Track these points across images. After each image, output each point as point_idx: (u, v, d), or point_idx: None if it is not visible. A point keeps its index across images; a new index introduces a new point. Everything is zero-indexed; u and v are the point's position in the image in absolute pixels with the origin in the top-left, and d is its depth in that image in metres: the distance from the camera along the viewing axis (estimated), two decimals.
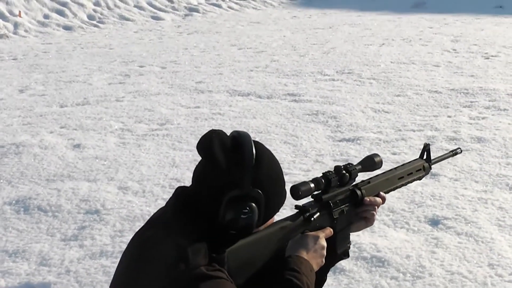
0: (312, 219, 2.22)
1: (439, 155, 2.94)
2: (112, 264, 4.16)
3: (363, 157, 2.47)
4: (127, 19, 18.92)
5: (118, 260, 4.23)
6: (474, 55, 12.32)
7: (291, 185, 2.18)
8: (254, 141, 2.07)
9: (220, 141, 2.04)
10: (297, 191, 2.14)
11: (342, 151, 6.52)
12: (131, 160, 6.34)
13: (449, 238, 4.41)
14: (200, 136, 2.09)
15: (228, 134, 2.10)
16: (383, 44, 14.12)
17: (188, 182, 5.63)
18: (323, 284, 2.37)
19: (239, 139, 2.04)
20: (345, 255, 2.40)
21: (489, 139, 6.72)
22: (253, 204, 2.01)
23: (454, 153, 2.95)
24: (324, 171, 2.30)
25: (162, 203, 5.14)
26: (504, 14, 19.51)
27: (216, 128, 6.69)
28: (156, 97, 9.28)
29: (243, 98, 9.13)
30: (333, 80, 10.28)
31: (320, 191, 2.27)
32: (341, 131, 7.28)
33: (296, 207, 2.25)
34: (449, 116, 7.78)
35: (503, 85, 9.37)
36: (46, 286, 3.98)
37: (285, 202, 2.17)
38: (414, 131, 7.18)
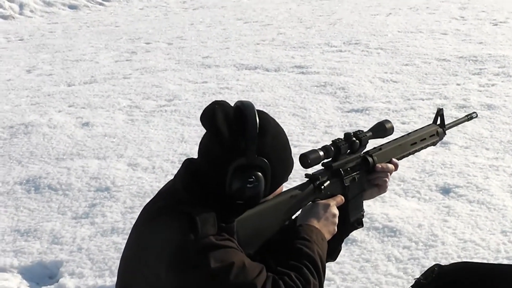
0: (323, 187, 2.19)
1: (453, 120, 2.91)
2: (123, 241, 4.14)
3: (374, 124, 2.44)
4: None
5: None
6: (482, 22, 12.20)
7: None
8: (258, 110, 2.05)
9: (223, 111, 2.02)
10: (306, 159, 2.12)
11: (351, 121, 6.48)
12: (140, 137, 6.33)
13: (461, 206, 4.38)
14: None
15: (232, 105, 2.09)
16: (390, 13, 14.01)
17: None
18: (338, 254, 2.36)
19: (242, 109, 2.03)
20: (359, 224, 2.38)
21: (499, 106, 6.67)
22: (259, 173, 1.99)
23: (469, 117, 2.90)
24: (333, 139, 2.27)
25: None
26: None
27: None
28: (163, 73, 9.25)
29: (250, 72, 9.09)
30: (340, 51, 10.21)
31: (330, 159, 2.25)
32: (350, 102, 7.23)
33: (306, 175, 2.23)
34: (458, 84, 7.72)
35: None
36: (58, 264, 3.99)
37: (292, 171, 2.15)
38: (423, 99, 7.13)
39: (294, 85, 8.10)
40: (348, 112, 6.85)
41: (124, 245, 3.70)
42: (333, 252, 2.28)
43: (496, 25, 11.78)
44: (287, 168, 2.12)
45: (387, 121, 2.41)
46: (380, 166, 2.38)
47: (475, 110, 3.15)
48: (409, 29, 11.75)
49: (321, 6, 15.89)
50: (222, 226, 1.93)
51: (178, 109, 7.25)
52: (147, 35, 12.83)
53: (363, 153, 2.36)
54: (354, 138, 2.28)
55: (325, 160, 2.23)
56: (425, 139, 2.63)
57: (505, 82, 7.67)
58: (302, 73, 8.84)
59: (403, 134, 2.63)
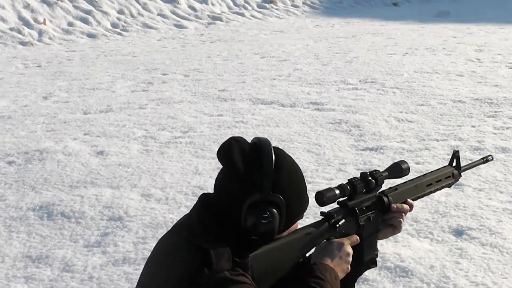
0: (338, 225, 2.20)
1: (468, 163, 2.91)
2: (135, 271, 4.16)
3: (390, 164, 2.45)
4: (151, 27, 19.02)
5: (141, 267, 4.24)
6: (498, 64, 12.23)
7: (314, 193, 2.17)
8: (274, 147, 2.08)
9: (239, 147, 2.05)
10: (321, 197, 2.14)
11: (365, 160, 6.49)
12: (154, 168, 6.36)
13: (473, 249, 4.37)
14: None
15: (249, 141, 2.11)
16: (406, 53, 14.07)
17: (211, 190, 5.61)
18: None
19: (259, 145, 2.05)
20: (373, 263, 2.38)
21: None
22: (274, 210, 2.01)
23: (485, 160, 2.91)
24: (349, 178, 2.28)
25: (186, 211, 5.16)
26: None
27: (239, 135, 6.69)
28: (179, 105, 9.31)
29: (266, 107, 9.13)
30: (356, 89, 10.25)
31: (345, 198, 2.26)
32: (364, 140, 7.25)
33: (321, 213, 2.24)
34: (473, 126, 7.72)
35: None
36: None
37: (307, 208, 2.16)
38: (437, 140, 7.14)
39: (309, 122, 8.12)
40: (363, 150, 6.86)
41: (135, 276, 3.70)
42: None
43: None
44: (302, 205, 2.13)
45: (403, 161, 2.42)
46: (395, 206, 2.38)
47: (490, 153, 3.15)
48: (425, 70, 11.79)
49: (338, 44, 15.98)
50: (236, 261, 1.94)
51: (193, 141, 7.29)
52: (164, 66, 12.93)
53: (379, 192, 2.37)
54: (370, 178, 2.29)
55: (341, 199, 2.25)
56: (440, 180, 2.64)
57: None
58: (318, 109, 8.87)
59: (418, 174, 2.63)
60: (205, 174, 6.11)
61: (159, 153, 6.89)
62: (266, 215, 1.99)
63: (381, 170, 2.37)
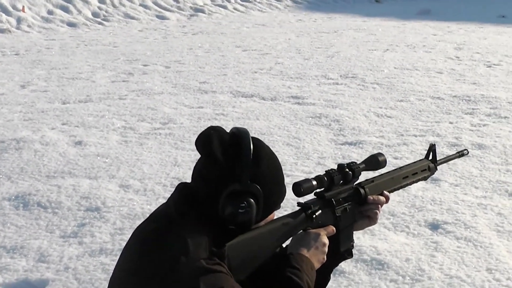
0: (314, 216, 2.22)
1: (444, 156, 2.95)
2: (111, 262, 4.15)
3: (367, 156, 2.47)
4: (132, 18, 18.95)
5: (118, 257, 4.23)
6: (476, 63, 12.32)
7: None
8: (253, 137, 2.08)
9: (218, 137, 2.05)
10: (299, 188, 2.15)
11: (344, 154, 6.51)
12: (133, 159, 6.34)
13: (448, 242, 4.40)
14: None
15: (228, 131, 2.11)
16: (387, 49, 14.12)
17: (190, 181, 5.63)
18: (327, 283, 2.37)
19: (238, 135, 2.06)
20: (349, 254, 2.40)
21: (489, 146, 6.71)
22: (251, 199, 2.02)
23: (460, 154, 2.95)
24: (327, 169, 2.30)
25: (163, 202, 5.16)
26: (506, 23, 19.52)
27: None
28: (160, 96, 9.29)
29: (246, 100, 9.13)
30: (337, 84, 10.29)
31: (322, 189, 2.27)
32: (344, 134, 7.27)
33: (298, 204, 2.25)
34: (450, 123, 7.77)
35: (504, 94, 9.36)
36: (44, 282, 3.96)
37: (284, 200, 2.17)
38: (416, 136, 7.18)
39: (290, 115, 8.14)
40: (342, 144, 6.89)
41: (112, 266, 3.69)
42: (322, 282, 2.30)
43: (490, 67, 11.89)
44: (280, 195, 2.14)
45: (380, 154, 2.45)
46: (371, 198, 2.40)
47: (466, 149, 3.18)
48: (406, 66, 11.85)
49: (320, 39, 16.01)
50: (213, 251, 1.95)
51: (173, 133, 7.27)
52: (145, 57, 12.89)
53: (356, 184, 2.39)
54: (347, 169, 2.31)
55: (318, 190, 2.26)
56: (416, 173, 2.66)
57: (496, 123, 7.73)
58: (298, 103, 8.89)
59: (395, 168, 2.65)
60: (184, 166, 6.10)
61: (138, 144, 6.87)
62: (244, 205, 2.00)
63: (358, 162, 2.38)
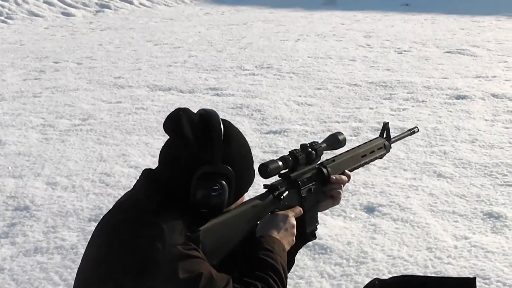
0: (282, 197, 2.19)
1: (396, 134, 2.99)
2: (48, 260, 4.02)
3: (327, 136, 2.46)
4: (37, 15, 18.44)
5: (55, 256, 4.09)
6: (387, 50, 12.57)
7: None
8: (221, 118, 2.03)
9: (188, 118, 1.99)
10: (266, 169, 2.11)
11: (271, 143, 6.52)
12: (56, 156, 6.16)
13: (386, 224, 4.47)
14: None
15: (195, 112, 2.06)
16: (298, 39, 14.24)
17: (118, 177, 5.54)
18: (292, 266, 2.35)
19: (207, 116, 2.00)
20: (313, 236, 2.39)
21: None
22: (223, 181, 1.97)
23: (412, 131, 3.01)
24: (290, 150, 2.28)
25: (95, 198, 5.06)
26: (411, 11, 20.01)
27: (141, 122, 6.56)
28: (75, 93, 9.07)
29: (164, 93, 9.03)
30: (253, 74, 10.30)
31: (287, 170, 2.25)
32: (267, 123, 7.28)
33: (265, 186, 2.22)
34: (371, 108, 7.90)
35: (418, 78, 9.59)
36: None
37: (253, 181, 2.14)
38: (338, 122, 7.27)
39: (210, 107, 8.03)
40: (266, 133, 6.90)
41: (50, 265, 3.58)
42: (288, 264, 2.27)
43: (401, 53, 12.16)
44: (251, 177, 2.11)
45: (339, 133, 2.44)
46: (334, 177, 2.39)
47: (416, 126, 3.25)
48: (319, 55, 11.98)
49: (230, 31, 16.00)
50: (188, 236, 1.89)
51: (94, 129, 7.11)
52: (55, 54, 12.57)
53: (318, 164, 2.38)
54: (310, 149, 2.29)
55: (283, 171, 2.23)
56: (374, 151, 2.68)
57: (415, 107, 7.91)
58: (217, 95, 8.86)
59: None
60: (110, 161, 5.97)
61: (60, 141, 6.69)
62: (217, 187, 1.95)
63: (319, 142, 2.37)
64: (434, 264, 3.90)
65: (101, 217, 4.46)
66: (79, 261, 3.99)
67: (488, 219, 4.55)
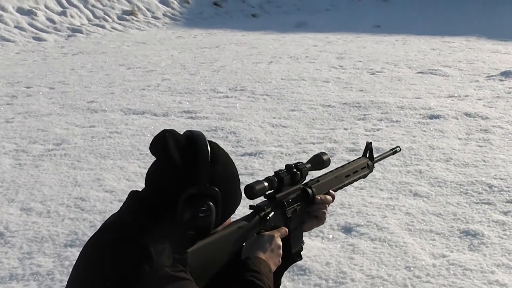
0: (268, 218, 2.19)
1: (379, 154, 3.01)
2: (24, 287, 3.96)
3: (311, 156, 2.47)
4: (7, 40, 18.29)
5: (31, 283, 4.04)
6: (360, 71, 12.65)
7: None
8: (208, 140, 2.03)
9: (174, 140, 1.99)
10: (251, 190, 2.11)
11: (246, 165, 6.52)
12: (30, 181, 6.10)
13: (364, 244, 4.47)
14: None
15: (181, 134, 2.06)
16: (271, 61, 14.29)
17: (93, 201, 5.49)
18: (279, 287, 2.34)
19: (193, 138, 2.00)
20: (298, 256, 2.39)
21: (386, 150, 6.87)
22: (211, 203, 1.96)
23: (394, 151, 3.03)
24: (275, 170, 2.28)
25: (70, 223, 5.00)
26: (382, 33, 20.17)
27: (115, 146, 6.52)
28: (48, 118, 9.00)
29: (138, 117, 9.00)
30: (227, 97, 10.30)
31: (272, 190, 2.25)
32: (242, 145, 7.28)
33: (251, 207, 2.21)
34: (345, 129, 7.93)
35: (392, 99, 9.65)
36: None
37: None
38: (313, 143, 7.28)
39: (185, 130, 8.04)
40: (242, 155, 6.89)
41: None
42: (275, 286, 2.26)
43: (374, 74, 12.24)
44: (237, 198, 2.11)
45: (323, 153, 2.45)
46: (319, 197, 2.40)
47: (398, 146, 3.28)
48: (292, 77, 12.02)
49: (203, 54, 16.01)
50: (176, 257, 1.88)
51: (68, 153, 7.06)
52: (26, 79, 12.47)
53: (303, 184, 2.38)
54: (295, 170, 2.29)
55: (268, 192, 2.23)
56: (357, 171, 2.69)
57: (389, 127, 7.96)
58: (191, 118, 8.85)
59: (337, 167, 2.67)
60: (85, 186, 5.92)
61: (34, 166, 6.63)
62: (204, 208, 1.94)
63: (304, 162, 2.38)
64: (413, 283, 3.91)
65: (77, 242, 4.43)
66: (55, 287, 3.95)
67: (465, 237, 4.58)
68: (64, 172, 6.40)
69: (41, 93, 11.03)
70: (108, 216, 2.15)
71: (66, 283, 2.05)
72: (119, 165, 6.46)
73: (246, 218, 2.17)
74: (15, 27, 19.43)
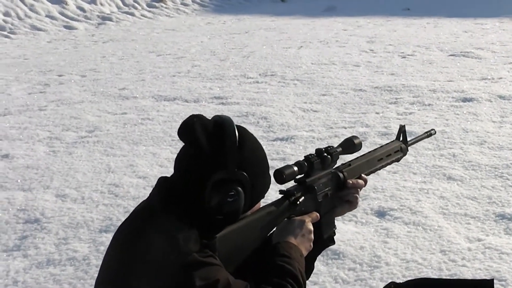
0: (298, 203, 2.17)
1: (413, 137, 2.99)
2: (61, 272, 4.01)
3: (343, 140, 2.45)
4: (39, 29, 18.46)
5: (67, 268, 4.08)
6: (391, 54, 12.56)
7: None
8: (236, 125, 2.02)
9: (202, 124, 1.98)
10: (281, 175, 2.09)
11: (278, 150, 6.51)
12: (64, 168, 6.16)
13: (398, 228, 4.45)
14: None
15: (209, 119, 2.05)
16: (301, 46, 14.24)
17: (127, 187, 5.52)
18: (311, 272, 2.33)
19: (221, 122, 1.99)
20: (331, 241, 2.37)
21: (419, 133, 6.82)
22: (239, 188, 1.95)
23: (429, 134, 3.00)
24: (306, 155, 2.27)
25: (104, 209, 5.05)
26: (412, 16, 20.01)
27: (147, 132, 6.54)
28: (81, 105, 9.07)
29: (169, 103, 9.03)
30: (257, 82, 10.29)
31: (303, 175, 2.23)
32: (274, 131, 7.28)
33: (281, 191, 2.20)
34: (377, 113, 7.89)
35: (423, 82, 9.57)
36: None
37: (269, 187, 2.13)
38: (345, 128, 7.25)
39: None
40: (273, 140, 6.89)
41: (63, 276, 3.57)
42: (307, 271, 2.25)
43: (405, 57, 12.14)
44: (266, 183, 2.09)
45: (355, 137, 2.43)
46: (351, 182, 2.37)
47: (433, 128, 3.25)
48: (322, 61, 11.97)
49: (232, 40, 16.01)
50: (204, 243, 1.87)
51: (101, 140, 7.11)
52: (58, 68, 12.57)
53: (334, 168, 2.36)
54: (325, 154, 2.27)
55: (298, 176, 2.21)
56: (390, 154, 2.66)
57: (421, 111, 7.90)
58: (222, 103, 8.85)
59: (369, 151, 2.65)
60: (118, 172, 5.96)
61: (67, 153, 6.68)
62: (232, 193, 1.93)
63: (334, 146, 2.36)
64: (448, 266, 3.88)
65: (111, 228, 4.47)
66: (91, 272, 4.01)
67: (501, 220, 4.53)
68: (98, 158, 6.45)
69: (73, 81, 11.11)
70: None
71: None
72: (151, 151, 6.49)
73: (276, 203, 2.15)
74: (46, 16, 19.59)
